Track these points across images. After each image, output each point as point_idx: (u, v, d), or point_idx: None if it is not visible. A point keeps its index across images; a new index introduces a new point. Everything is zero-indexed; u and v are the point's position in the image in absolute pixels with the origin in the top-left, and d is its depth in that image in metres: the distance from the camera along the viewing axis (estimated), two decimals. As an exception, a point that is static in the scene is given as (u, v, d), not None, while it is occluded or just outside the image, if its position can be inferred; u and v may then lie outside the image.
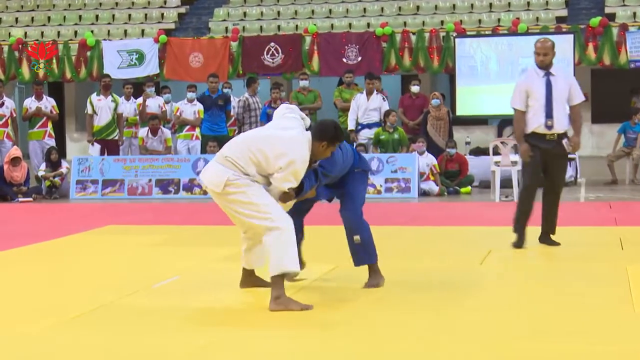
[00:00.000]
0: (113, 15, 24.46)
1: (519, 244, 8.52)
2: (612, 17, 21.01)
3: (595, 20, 19.82)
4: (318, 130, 6.10)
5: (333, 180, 6.52)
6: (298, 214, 6.52)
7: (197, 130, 16.38)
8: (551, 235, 8.73)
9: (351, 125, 16.02)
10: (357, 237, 6.49)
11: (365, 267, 6.63)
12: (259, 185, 5.99)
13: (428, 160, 14.90)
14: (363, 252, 6.54)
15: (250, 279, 6.63)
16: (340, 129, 6.22)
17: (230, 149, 6.06)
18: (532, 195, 8.59)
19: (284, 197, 6.04)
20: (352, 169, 6.60)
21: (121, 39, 22.94)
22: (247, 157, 5.93)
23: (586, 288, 6.57)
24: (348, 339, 5.17)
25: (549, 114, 8.43)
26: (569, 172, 15.75)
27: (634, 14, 21.21)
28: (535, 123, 8.48)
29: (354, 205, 6.57)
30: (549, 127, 8.44)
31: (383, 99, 16.21)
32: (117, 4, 25.01)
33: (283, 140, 5.94)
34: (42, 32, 23.55)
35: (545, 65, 8.53)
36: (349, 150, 6.58)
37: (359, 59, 20.60)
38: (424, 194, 14.73)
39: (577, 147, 8.63)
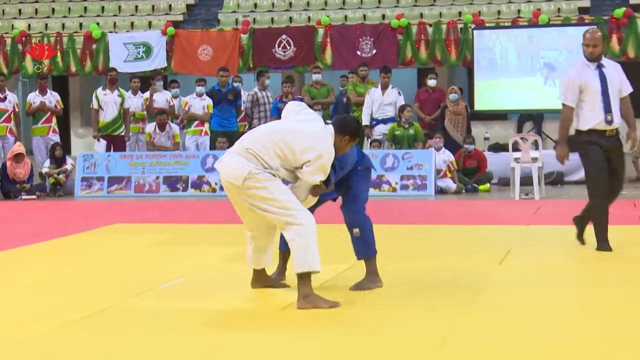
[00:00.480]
0: (119, 7, 24.49)
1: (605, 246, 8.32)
2: (637, 7, 20.89)
3: (619, 11, 19.74)
4: (340, 124, 6.23)
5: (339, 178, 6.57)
6: None
7: (206, 125, 16.38)
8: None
9: (365, 121, 15.99)
10: (356, 230, 6.55)
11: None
12: (280, 180, 6.04)
13: (445, 157, 14.87)
14: (362, 245, 6.58)
15: (261, 277, 6.64)
16: (361, 126, 6.39)
17: (253, 142, 6.07)
18: (606, 204, 8.33)
19: (315, 191, 6.16)
20: (355, 166, 6.66)
21: (128, 31, 22.97)
22: (271, 150, 5.99)
23: (608, 290, 6.54)
24: (358, 341, 5.16)
25: (607, 109, 8.13)
26: (591, 169, 15.69)
27: (660, 4, 21.11)
28: (594, 119, 8.16)
29: (357, 204, 6.61)
30: (609, 122, 8.14)
31: (399, 93, 16.18)
32: (123, -5, 25.07)
33: (308, 134, 6.04)
34: (46, 24, 23.61)
35: (595, 57, 8.31)
36: (353, 147, 6.63)
37: (374, 51, 20.58)
38: (440, 191, 14.70)
39: (635, 142, 8.44)
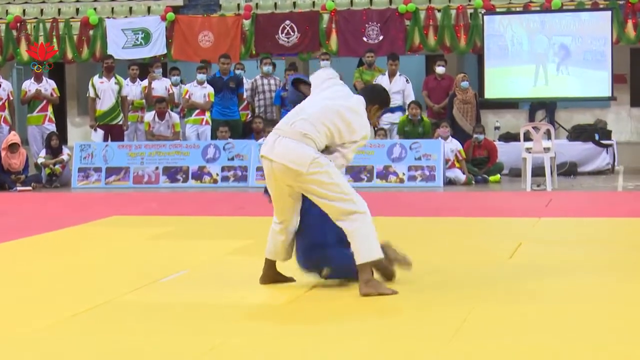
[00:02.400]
0: (117, -8, 24.48)
1: None
2: (653, -8, 20.85)
3: (635, -4, 19.68)
4: (370, 93, 6.47)
5: None
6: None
7: (207, 114, 16.40)
8: None
9: (372, 109, 15.99)
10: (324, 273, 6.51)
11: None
12: (334, 165, 6.15)
13: (452, 146, 14.88)
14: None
15: (270, 272, 6.62)
16: (389, 95, 6.69)
17: (307, 125, 6.09)
18: None
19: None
20: None
21: (126, 17, 22.94)
22: (323, 133, 6.09)
23: (621, 284, 6.55)
24: (367, 336, 5.18)
25: None
26: (606, 159, 15.71)
27: (678, -12, 21.03)
28: None
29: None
30: None
31: (406, 80, 16.18)
32: (121, -21, 25.05)
33: (352, 112, 6.18)
34: (42, 10, 23.59)
35: None
36: None
37: (381, 38, 20.54)
38: (449, 182, 14.71)
39: None
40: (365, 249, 6.03)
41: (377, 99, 6.39)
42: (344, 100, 6.24)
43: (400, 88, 16.10)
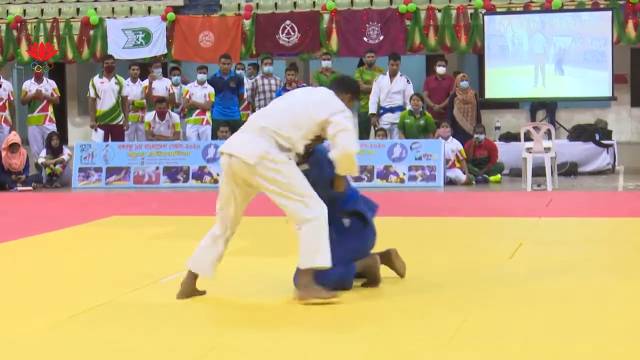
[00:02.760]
0: (117, -8, 24.48)
1: None
2: (654, -8, 20.85)
3: (636, -4, 19.68)
4: (340, 83, 6.34)
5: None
6: None
7: (208, 114, 16.40)
8: None
9: (372, 109, 16.01)
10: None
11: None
12: (294, 164, 5.97)
13: (453, 146, 14.87)
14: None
15: (191, 286, 6.25)
16: (358, 84, 6.64)
17: (267, 118, 6.01)
18: None
19: (338, 183, 6.13)
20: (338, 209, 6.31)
21: (126, 17, 22.94)
22: (287, 122, 5.94)
23: (621, 284, 6.55)
24: (364, 336, 5.18)
25: None
26: (606, 160, 15.70)
27: (678, -12, 21.03)
28: None
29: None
30: None
31: (407, 80, 16.18)
32: (121, -21, 25.06)
33: (319, 94, 6.16)
34: (42, 10, 23.59)
35: None
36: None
37: (381, 38, 20.54)
38: (450, 182, 14.71)
39: None
40: (309, 254, 5.86)
41: (348, 88, 6.28)
42: (309, 92, 6.40)
43: (401, 88, 16.09)
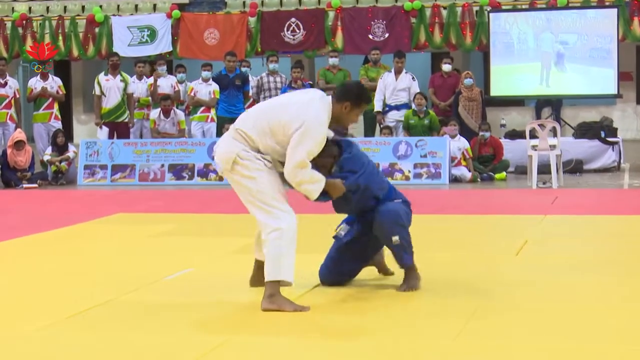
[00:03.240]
0: (123, -11, 24.48)
1: None
2: (660, -11, 20.82)
3: (641, -7, 19.65)
4: (340, 90, 5.95)
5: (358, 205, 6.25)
6: (339, 273, 6.45)
7: (213, 111, 16.39)
8: None
9: (378, 107, 15.97)
10: (395, 239, 6.21)
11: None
12: (272, 172, 5.84)
13: (460, 144, 14.84)
14: (402, 253, 6.28)
15: (260, 273, 6.24)
16: (366, 90, 6.03)
17: (242, 120, 5.93)
18: None
19: (331, 189, 5.88)
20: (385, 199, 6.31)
21: (131, 14, 22.95)
22: (259, 127, 5.77)
23: (628, 281, 6.53)
24: (370, 332, 5.16)
25: None
26: (612, 157, 15.66)
27: (684, -15, 21.00)
28: None
29: (390, 211, 6.22)
30: None
31: (412, 78, 16.15)
32: (127, -23, 25.05)
33: (297, 104, 5.80)
34: (48, 7, 23.60)
35: None
36: (378, 170, 6.40)
37: (386, 35, 20.53)
38: (455, 180, 14.67)
39: None
40: (273, 268, 5.73)
41: (347, 96, 5.86)
42: (294, 96, 6.03)
43: (407, 85, 16.05)
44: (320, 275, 6.46)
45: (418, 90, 15.98)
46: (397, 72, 16.11)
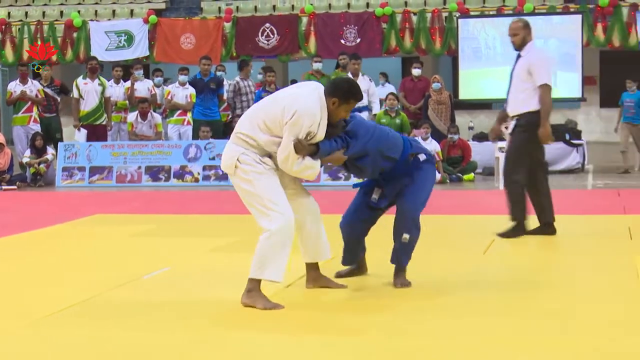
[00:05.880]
0: (100, -5, 24.40)
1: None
2: (622, -4, 21.00)
3: (604, 0, 19.80)
4: (329, 85, 5.88)
5: (373, 170, 6.20)
6: (359, 226, 6.43)
7: (189, 115, 16.36)
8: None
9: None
10: (405, 236, 6.26)
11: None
12: (270, 174, 5.83)
13: (431, 147, 14.87)
14: (402, 253, 6.34)
15: (313, 275, 6.31)
16: (356, 86, 5.92)
17: (239, 123, 5.95)
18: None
19: (297, 147, 5.69)
20: (406, 157, 6.24)
21: (109, 19, 22.90)
22: (255, 125, 5.78)
23: (592, 279, 6.58)
24: (341, 340, 5.18)
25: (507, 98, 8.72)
26: (576, 159, 15.75)
27: (645, -7, 21.18)
28: None
29: (414, 202, 6.29)
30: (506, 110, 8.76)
31: (370, 80, 16.07)
32: (104, -17, 24.97)
33: (290, 96, 5.80)
34: (27, 13, 23.50)
35: (516, 46, 8.65)
36: (388, 132, 6.27)
37: (358, 40, 20.59)
38: (425, 181, 14.68)
39: (542, 138, 8.51)
40: (259, 265, 5.74)
41: (335, 92, 5.78)
42: (288, 90, 6.05)
43: (365, 87, 15.97)
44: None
45: (376, 92, 15.97)
46: (354, 75, 15.99)
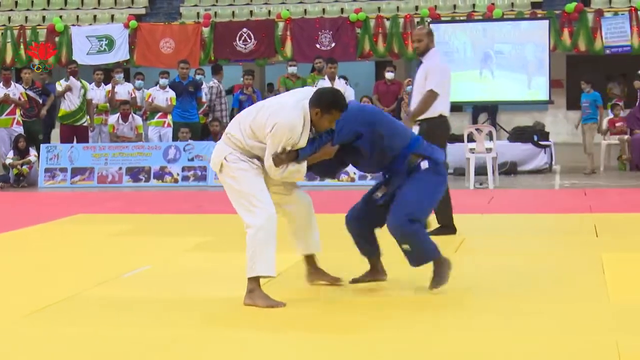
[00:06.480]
0: (82, 0, 24.30)
1: None
2: (587, 2, 21.14)
3: (570, 6, 19.92)
4: (313, 96, 5.76)
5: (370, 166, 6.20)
6: (367, 225, 6.32)
7: (169, 117, 16.32)
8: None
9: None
10: (404, 247, 6.10)
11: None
12: (256, 173, 5.82)
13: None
14: (414, 256, 6.14)
15: (311, 268, 6.31)
16: (341, 97, 5.80)
17: (231, 125, 5.98)
18: None
19: (276, 160, 5.69)
20: (408, 155, 6.06)
21: (90, 24, 22.82)
22: (243, 129, 5.80)
23: (560, 276, 6.61)
24: (347, 340, 5.18)
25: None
26: (544, 159, 15.83)
27: (610, -1, 21.35)
28: None
29: (399, 212, 6.00)
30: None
31: (346, 82, 16.07)
32: (86, -12, 24.87)
33: (273, 107, 5.77)
34: (9, 17, 23.38)
35: (419, 52, 8.63)
36: (393, 120, 6.17)
37: (333, 44, 20.59)
38: (398, 181, 14.72)
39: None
40: (249, 265, 5.74)
41: (318, 103, 5.70)
42: (278, 98, 6.05)
43: (342, 90, 15.98)
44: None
45: (352, 95, 15.97)
46: (331, 79, 15.93)
